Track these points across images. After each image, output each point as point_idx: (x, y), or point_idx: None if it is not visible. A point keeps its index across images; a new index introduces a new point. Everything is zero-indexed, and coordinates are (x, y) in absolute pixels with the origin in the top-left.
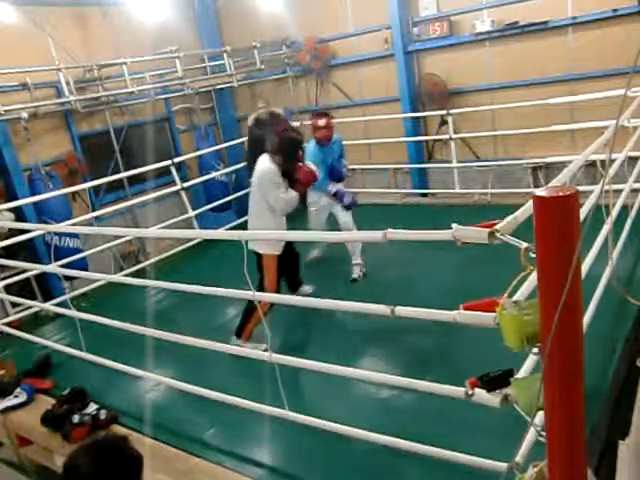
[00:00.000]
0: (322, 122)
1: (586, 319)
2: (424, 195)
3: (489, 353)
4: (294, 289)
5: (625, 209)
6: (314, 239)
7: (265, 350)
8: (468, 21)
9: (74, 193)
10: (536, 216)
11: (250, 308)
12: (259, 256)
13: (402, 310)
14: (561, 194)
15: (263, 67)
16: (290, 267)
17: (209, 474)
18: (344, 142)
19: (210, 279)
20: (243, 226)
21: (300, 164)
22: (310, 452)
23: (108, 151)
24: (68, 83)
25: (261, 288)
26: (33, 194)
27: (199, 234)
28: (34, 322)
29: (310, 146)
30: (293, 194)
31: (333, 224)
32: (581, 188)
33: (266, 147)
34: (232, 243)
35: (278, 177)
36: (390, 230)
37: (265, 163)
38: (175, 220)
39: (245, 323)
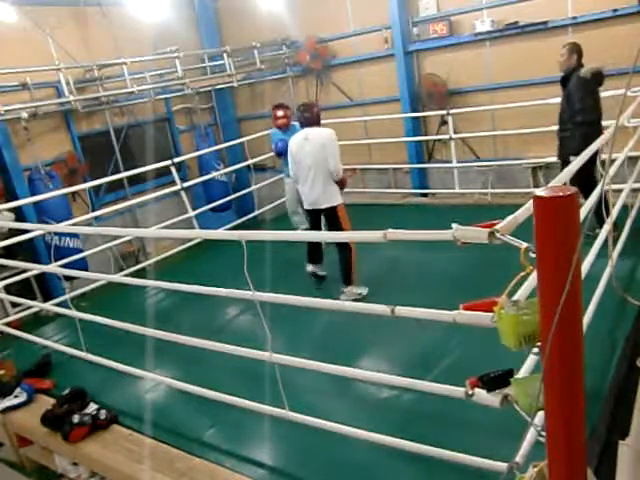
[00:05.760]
0: (280, 113)
1: (586, 319)
2: (424, 195)
3: (489, 353)
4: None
5: (625, 209)
6: (311, 239)
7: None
8: (468, 21)
9: (74, 193)
10: (536, 216)
11: (347, 256)
12: (332, 211)
13: (402, 310)
14: (561, 194)
15: (263, 67)
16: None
17: (209, 474)
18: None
19: (210, 279)
20: (243, 226)
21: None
22: (310, 452)
23: (108, 151)
24: (68, 83)
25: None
26: (33, 194)
27: (199, 234)
28: (34, 322)
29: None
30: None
31: None
32: None
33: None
34: (232, 243)
35: None
36: (390, 230)
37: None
38: (175, 220)
39: (349, 271)
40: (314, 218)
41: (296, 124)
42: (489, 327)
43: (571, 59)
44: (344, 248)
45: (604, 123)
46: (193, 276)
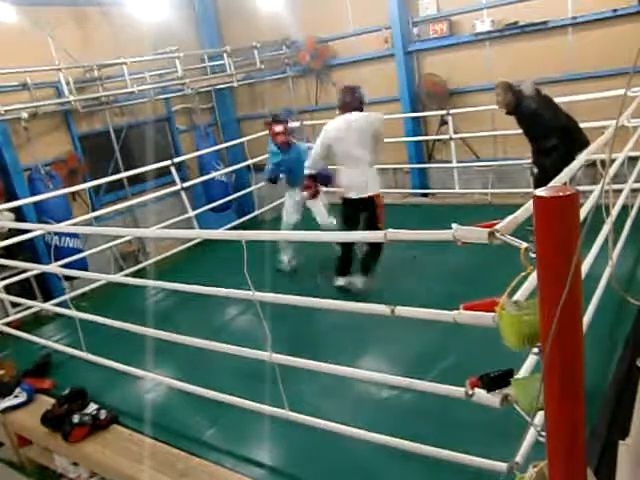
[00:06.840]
0: (279, 129)
1: (586, 319)
2: (424, 195)
3: (489, 353)
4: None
5: (625, 209)
6: (312, 239)
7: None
8: (468, 21)
9: (74, 193)
10: (536, 216)
11: (378, 252)
12: (371, 201)
13: (402, 310)
14: (561, 194)
15: (263, 67)
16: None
17: (209, 474)
18: None
19: (210, 279)
20: (243, 226)
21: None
22: (310, 452)
23: (108, 151)
24: (68, 83)
25: (374, 228)
26: (33, 194)
27: (199, 234)
28: (34, 322)
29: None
30: None
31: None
32: (581, 188)
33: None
34: (232, 243)
35: None
36: (390, 230)
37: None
38: (175, 220)
39: (373, 265)
40: (354, 213)
41: (300, 144)
42: (489, 327)
43: (507, 97)
44: (376, 248)
45: (604, 123)
46: (193, 276)
